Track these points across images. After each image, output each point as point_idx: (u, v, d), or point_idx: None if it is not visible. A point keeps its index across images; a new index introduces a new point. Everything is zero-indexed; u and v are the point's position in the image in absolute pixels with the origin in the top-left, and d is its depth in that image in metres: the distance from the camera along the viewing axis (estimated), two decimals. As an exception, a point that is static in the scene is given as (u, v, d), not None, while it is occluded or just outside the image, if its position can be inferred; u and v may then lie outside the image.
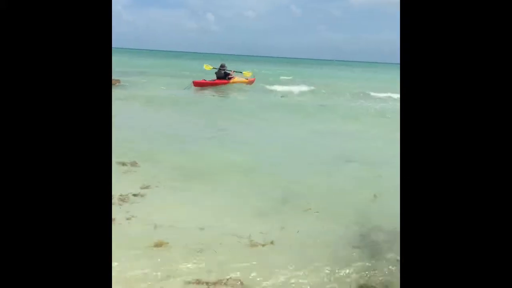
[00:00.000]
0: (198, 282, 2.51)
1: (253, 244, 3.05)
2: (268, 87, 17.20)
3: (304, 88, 17.72)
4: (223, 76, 16.14)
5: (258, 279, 2.61)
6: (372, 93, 16.79)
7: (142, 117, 9.03)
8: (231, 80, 16.29)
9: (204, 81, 15.76)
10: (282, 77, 23.97)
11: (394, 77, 32.07)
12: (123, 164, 4.77)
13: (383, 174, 4.95)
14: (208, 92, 14.28)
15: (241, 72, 17.59)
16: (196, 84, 15.24)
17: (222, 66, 16.30)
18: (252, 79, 18.14)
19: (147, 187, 4.10)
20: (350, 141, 7.14)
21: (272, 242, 3.09)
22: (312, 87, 17.97)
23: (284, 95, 15.22)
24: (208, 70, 17.37)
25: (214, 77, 16.41)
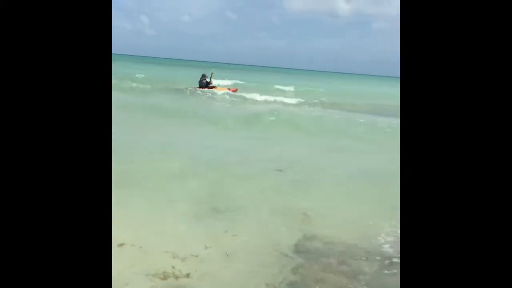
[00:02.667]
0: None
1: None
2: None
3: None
4: (204, 85, 17.74)
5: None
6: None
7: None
8: (212, 89, 17.61)
9: (185, 89, 17.73)
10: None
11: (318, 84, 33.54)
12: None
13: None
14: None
15: (212, 73, 18.74)
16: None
17: (203, 76, 17.97)
18: (235, 89, 19.24)
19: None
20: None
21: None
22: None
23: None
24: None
25: (196, 85, 18.08)
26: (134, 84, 18.45)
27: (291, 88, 25.45)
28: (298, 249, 3.53)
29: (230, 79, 24.20)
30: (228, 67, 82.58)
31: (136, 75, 22.35)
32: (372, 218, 4.33)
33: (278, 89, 24.37)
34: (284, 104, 16.64)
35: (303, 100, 18.25)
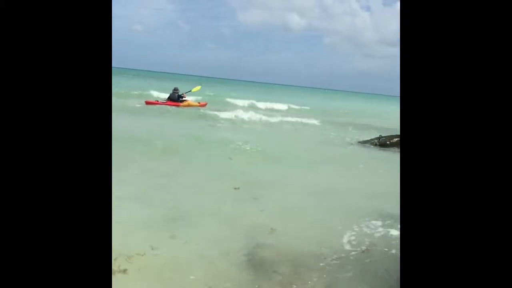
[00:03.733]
0: None
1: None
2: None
3: None
4: (176, 98, 17.34)
5: None
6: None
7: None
8: (183, 103, 17.30)
9: (156, 102, 17.46)
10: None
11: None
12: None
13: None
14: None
15: (190, 90, 18.80)
16: (148, 103, 17.03)
17: (175, 89, 17.60)
18: (204, 103, 18.93)
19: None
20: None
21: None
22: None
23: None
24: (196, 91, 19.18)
25: (166, 98, 17.74)
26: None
27: (255, 103, 23.87)
28: (251, 260, 3.46)
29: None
30: (182, 78, 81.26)
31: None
32: (328, 230, 4.35)
33: (247, 105, 22.69)
34: (264, 124, 15.11)
35: (286, 119, 17.06)
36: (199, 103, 18.78)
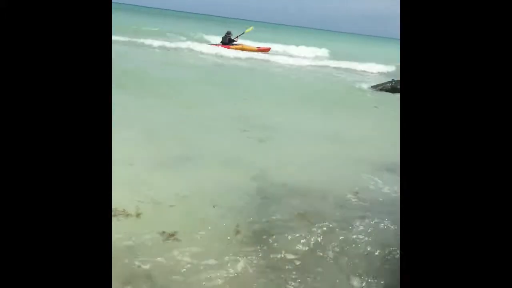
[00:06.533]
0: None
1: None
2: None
3: None
4: (227, 42, 17.51)
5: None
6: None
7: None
8: (235, 47, 17.20)
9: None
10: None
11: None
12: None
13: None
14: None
15: (243, 32, 18.11)
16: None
17: (228, 33, 17.73)
18: (265, 48, 18.57)
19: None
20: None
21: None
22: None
23: None
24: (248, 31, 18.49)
25: (219, 41, 17.92)
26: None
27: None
28: (263, 193, 3.51)
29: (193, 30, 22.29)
30: (174, 14, 77.60)
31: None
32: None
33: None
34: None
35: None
36: (258, 48, 18.32)
